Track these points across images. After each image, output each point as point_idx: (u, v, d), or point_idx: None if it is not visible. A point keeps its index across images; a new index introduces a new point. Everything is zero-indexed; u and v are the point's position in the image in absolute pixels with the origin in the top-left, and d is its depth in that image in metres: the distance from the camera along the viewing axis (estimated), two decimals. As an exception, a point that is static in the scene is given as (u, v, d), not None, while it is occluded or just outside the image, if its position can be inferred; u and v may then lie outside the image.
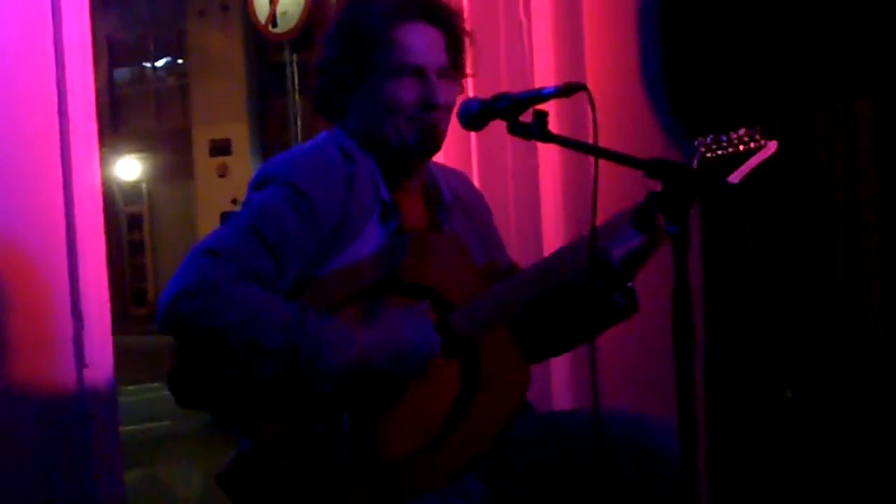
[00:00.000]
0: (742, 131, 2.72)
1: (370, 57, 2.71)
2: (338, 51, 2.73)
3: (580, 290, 2.79)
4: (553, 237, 4.28)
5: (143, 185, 28.39)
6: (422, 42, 2.74)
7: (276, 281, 2.54)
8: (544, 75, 4.30)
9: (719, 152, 2.70)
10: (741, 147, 2.70)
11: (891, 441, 4.04)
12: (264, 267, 2.53)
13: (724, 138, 2.71)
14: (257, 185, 2.69)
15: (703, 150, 2.70)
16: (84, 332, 3.47)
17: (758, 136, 2.72)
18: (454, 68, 2.79)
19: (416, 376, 2.59)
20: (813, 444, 4.15)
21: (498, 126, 2.56)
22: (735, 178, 2.70)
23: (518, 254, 4.13)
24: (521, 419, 2.80)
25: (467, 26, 2.84)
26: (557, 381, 4.29)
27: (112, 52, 27.90)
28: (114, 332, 3.58)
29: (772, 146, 2.71)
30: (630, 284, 2.80)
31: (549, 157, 4.31)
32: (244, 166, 24.11)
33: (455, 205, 2.86)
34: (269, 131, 23.85)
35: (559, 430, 2.76)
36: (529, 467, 2.73)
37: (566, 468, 2.70)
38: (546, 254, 4.12)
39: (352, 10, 2.76)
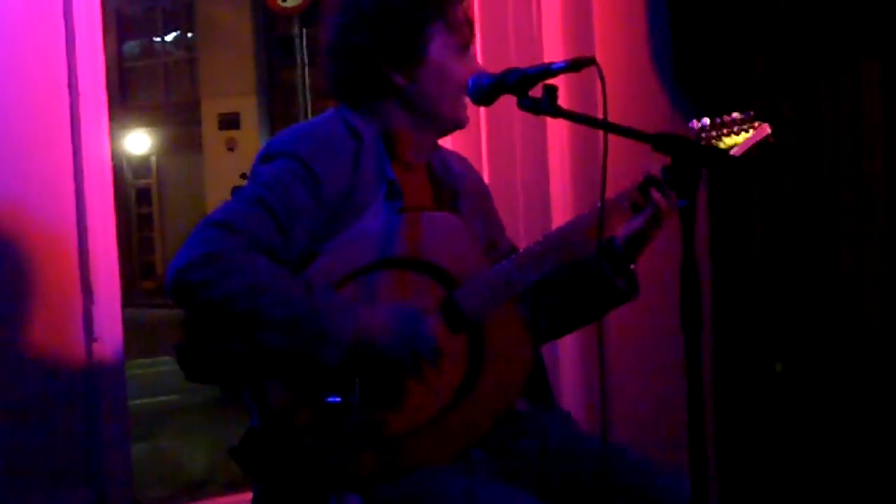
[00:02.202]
0: (735, 115, 2.79)
1: (437, 33, 2.70)
2: (390, 29, 2.70)
3: (583, 273, 2.80)
4: (562, 213, 4.28)
5: (152, 159, 28.42)
6: (464, 18, 2.76)
7: (282, 253, 2.55)
8: (553, 50, 4.29)
9: (714, 134, 2.75)
10: (735, 129, 2.77)
11: (890, 417, 4.06)
12: (271, 238, 2.54)
13: (719, 121, 2.77)
14: (264, 158, 2.69)
15: (697, 132, 2.75)
16: (93, 307, 3.47)
17: (751, 120, 2.80)
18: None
19: (412, 367, 2.59)
20: (820, 427, 4.16)
21: (507, 101, 2.56)
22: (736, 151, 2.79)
23: (527, 230, 4.15)
24: (542, 418, 2.81)
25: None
26: (564, 356, 4.30)
27: (121, 26, 27.90)
28: (122, 306, 3.58)
29: (764, 129, 2.79)
30: (632, 268, 2.82)
31: (557, 132, 4.31)
32: (253, 140, 24.13)
33: (461, 184, 2.86)
34: (277, 105, 23.87)
35: (573, 452, 2.74)
36: (538, 475, 2.73)
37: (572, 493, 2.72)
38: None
39: None
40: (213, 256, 2.46)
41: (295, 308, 2.46)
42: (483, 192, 3.00)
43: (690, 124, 2.77)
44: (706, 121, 2.77)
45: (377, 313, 2.55)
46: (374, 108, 2.74)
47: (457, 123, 2.79)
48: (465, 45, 2.75)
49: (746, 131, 2.78)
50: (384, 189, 2.67)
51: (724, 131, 2.77)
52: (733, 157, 2.76)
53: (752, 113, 2.81)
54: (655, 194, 2.70)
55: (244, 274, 2.46)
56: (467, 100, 2.71)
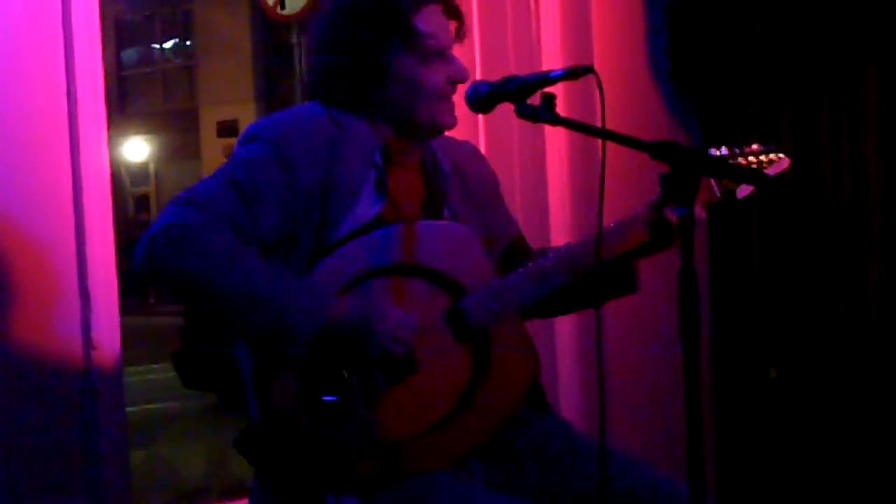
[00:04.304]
0: (755, 146, 2.77)
1: (396, 49, 2.71)
2: (351, 50, 2.72)
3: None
4: (560, 220, 4.28)
5: (150, 166, 28.44)
6: (440, 24, 2.76)
7: (249, 231, 2.55)
8: (552, 58, 4.30)
9: (731, 163, 2.74)
10: (753, 160, 2.77)
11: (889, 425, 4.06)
12: (237, 215, 2.55)
13: (738, 150, 2.75)
14: (242, 142, 2.73)
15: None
16: (91, 314, 3.47)
17: (770, 152, 2.77)
18: (457, 39, 2.82)
19: (380, 361, 2.60)
20: (818, 434, 4.17)
21: (505, 109, 2.57)
22: (745, 190, 2.76)
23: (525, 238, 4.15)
24: (539, 423, 2.81)
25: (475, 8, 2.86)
26: (562, 363, 4.30)
27: (119, 33, 27.94)
28: (120, 313, 3.58)
29: (784, 162, 2.77)
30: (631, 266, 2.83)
31: (556, 139, 4.31)
32: (251, 147, 24.03)
33: (454, 177, 2.86)
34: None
35: (571, 456, 2.75)
36: (536, 480, 2.73)
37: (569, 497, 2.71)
38: (553, 238, 4.14)
39: (358, 10, 2.75)
40: (177, 229, 2.49)
41: (255, 286, 2.47)
42: (488, 180, 2.98)
43: (709, 152, 2.75)
44: (724, 150, 2.76)
45: (347, 300, 2.55)
46: (357, 115, 2.76)
47: (438, 128, 2.78)
48: (433, 53, 2.73)
49: (765, 163, 2.78)
50: (374, 176, 2.69)
51: (742, 161, 2.76)
52: (733, 164, 2.76)
53: (773, 146, 2.79)
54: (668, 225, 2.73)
55: (206, 248, 2.47)
56: (456, 103, 2.74)
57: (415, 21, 2.72)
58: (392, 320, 2.57)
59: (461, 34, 2.81)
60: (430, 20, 2.74)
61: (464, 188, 2.87)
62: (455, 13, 2.79)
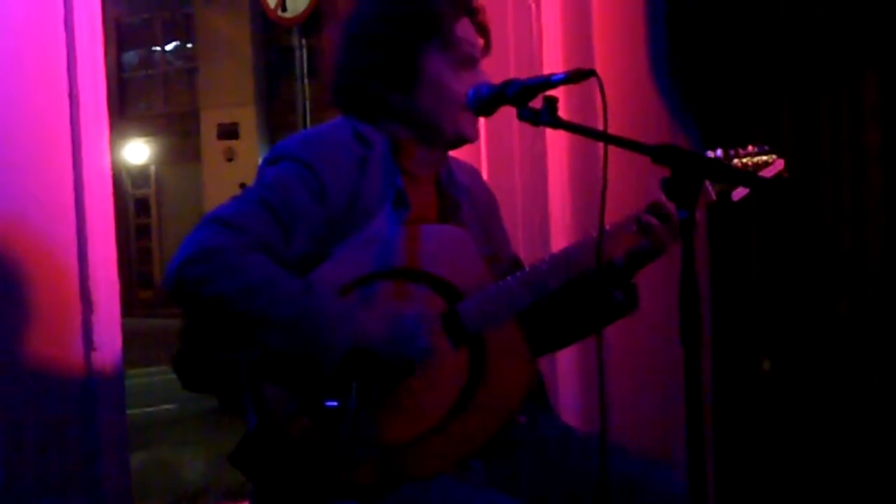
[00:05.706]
0: (750, 147, 2.78)
1: (432, 50, 2.72)
2: (385, 50, 2.72)
3: (581, 284, 2.80)
4: (560, 224, 4.28)
5: (151, 169, 28.44)
6: (472, 35, 2.78)
7: (282, 254, 2.56)
8: (553, 61, 4.30)
9: (728, 165, 2.75)
10: (749, 162, 2.77)
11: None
12: (271, 238, 2.55)
13: (733, 152, 2.76)
14: (271, 161, 2.71)
15: None
16: (93, 316, 3.47)
17: (765, 153, 2.77)
18: (484, 55, 2.83)
19: (405, 369, 2.60)
20: (821, 443, 4.17)
21: (506, 112, 2.57)
22: (740, 192, 2.79)
23: (525, 241, 4.15)
24: (541, 423, 2.82)
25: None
26: (563, 368, 4.30)
27: (120, 36, 27.95)
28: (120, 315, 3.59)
29: (779, 164, 2.78)
30: (631, 281, 2.82)
31: (557, 143, 4.31)
32: (251, 150, 24.17)
33: (465, 195, 2.87)
34: (276, 115, 23.88)
35: (571, 456, 2.76)
36: (536, 479, 2.74)
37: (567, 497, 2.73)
38: (553, 241, 4.15)
39: (398, 9, 2.75)
40: (211, 252, 2.47)
41: (292, 309, 2.47)
42: (489, 204, 3.00)
43: (704, 154, 2.76)
44: (720, 152, 2.77)
45: (375, 317, 2.56)
46: (379, 123, 2.76)
47: (461, 138, 2.79)
48: (465, 60, 2.75)
49: (759, 164, 2.79)
50: (392, 197, 2.69)
51: (738, 163, 2.77)
52: (734, 168, 2.76)
53: (766, 147, 2.81)
54: (656, 224, 2.72)
55: (241, 271, 2.47)
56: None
57: (456, 28, 2.73)
58: (426, 353, 2.60)
59: (487, 51, 2.81)
60: (464, 29, 2.76)
61: (473, 205, 2.89)
62: (484, 30, 2.80)
